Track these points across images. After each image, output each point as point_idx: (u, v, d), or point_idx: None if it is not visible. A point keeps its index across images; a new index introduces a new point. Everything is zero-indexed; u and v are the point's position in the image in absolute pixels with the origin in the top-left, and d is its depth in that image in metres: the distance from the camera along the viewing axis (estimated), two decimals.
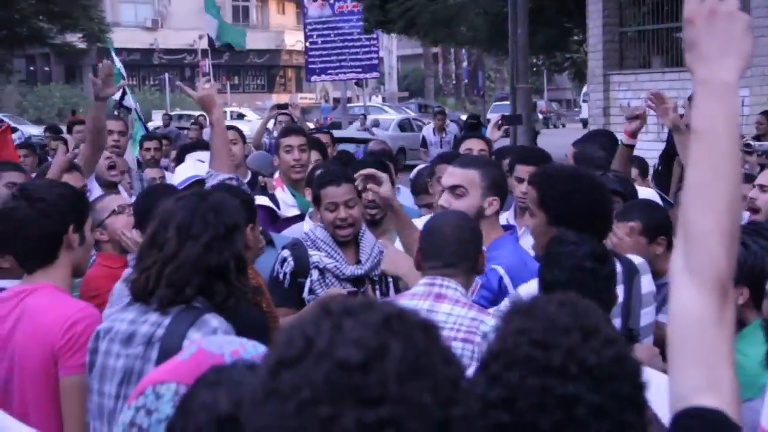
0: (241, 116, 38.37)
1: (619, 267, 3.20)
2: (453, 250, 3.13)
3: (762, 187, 4.39)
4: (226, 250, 2.69)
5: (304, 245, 4.22)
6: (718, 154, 1.59)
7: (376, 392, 1.10)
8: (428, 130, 17.00)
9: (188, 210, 2.72)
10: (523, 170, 4.50)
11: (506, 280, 3.62)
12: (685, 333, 1.55)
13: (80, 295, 3.68)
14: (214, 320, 2.61)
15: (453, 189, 3.74)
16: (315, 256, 4.15)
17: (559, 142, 26.96)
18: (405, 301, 3.11)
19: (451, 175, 3.80)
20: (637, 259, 3.51)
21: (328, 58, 36.07)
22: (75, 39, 41.29)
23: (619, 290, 3.16)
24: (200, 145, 6.11)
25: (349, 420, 1.09)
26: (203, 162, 5.68)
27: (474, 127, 11.94)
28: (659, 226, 3.86)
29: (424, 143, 16.64)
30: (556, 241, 2.90)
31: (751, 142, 5.46)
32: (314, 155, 5.92)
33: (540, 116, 28.49)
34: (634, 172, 9.44)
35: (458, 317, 3.03)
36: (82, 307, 3.00)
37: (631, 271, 3.36)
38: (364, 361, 1.12)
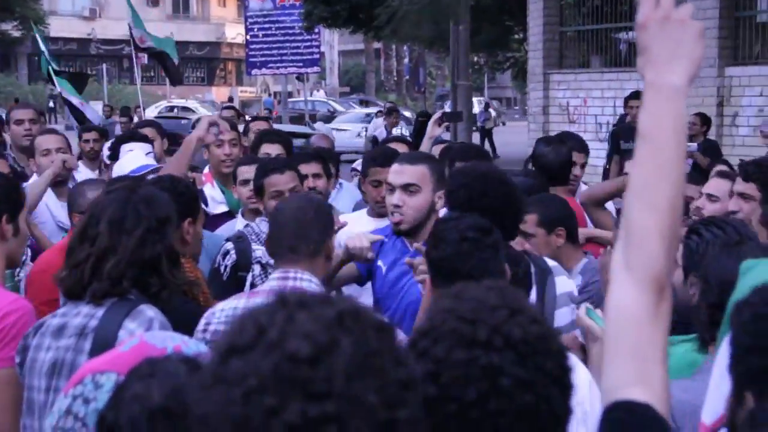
0: (186, 109, 37.95)
1: (532, 268, 3.24)
2: (293, 233, 3.11)
3: (710, 197, 4.37)
4: (158, 243, 2.67)
5: (248, 239, 4.17)
6: (663, 156, 1.62)
7: (323, 387, 1.11)
8: (380, 129, 16.65)
9: (120, 203, 2.69)
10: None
11: None
12: (620, 328, 1.57)
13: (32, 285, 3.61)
14: (149, 311, 2.59)
15: (406, 187, 3.73)
16: (258, 250, 4.07)
17: (502, 140, 27.27)
18: (261, 300, 3.02)
19: (402, 172, 3.78)
20: (551, 261, 3.54)
21: (269, 52, 35.89)
22: (10, 27, 40.63)
23: (533, 292, 3.22)
24: (136, 136, 5.98)
25: (294, 412, 1.10)
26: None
27: (425, 124, 12.00)
28: (556, 218, 3.92)
29: (375, 142, 16.07)
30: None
31: None
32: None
33: (493, 113, 28.54)
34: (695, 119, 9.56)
35: None
36: (13, 300, 2.92)
37: (544, 272, 3.40)
38: (313, 355, 1.12)
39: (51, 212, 5.30)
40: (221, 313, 3.11)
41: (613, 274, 1.62)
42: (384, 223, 4.14)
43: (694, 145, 6.61)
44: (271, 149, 5.38)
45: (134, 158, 5.24)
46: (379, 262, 3.93)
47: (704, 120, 10.04)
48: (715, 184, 4.45)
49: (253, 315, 1.19)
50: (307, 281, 3.07)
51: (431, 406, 1.31)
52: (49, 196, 5.34)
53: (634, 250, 1.59)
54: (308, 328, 1.14)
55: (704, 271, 2.64)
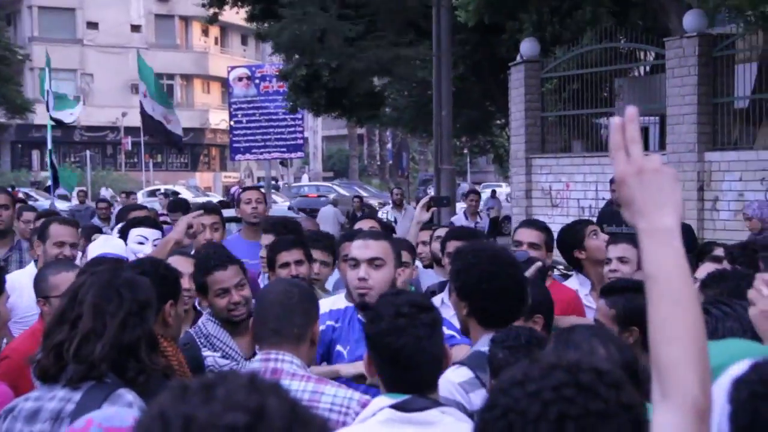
0: (175, 194, 37.94)
1: None
2: (277, 316, 3.07)
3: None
4: (138, 326, 2.67)
5: (196, 344, 4.01)
6: (672, 292, 1.72)
7: None
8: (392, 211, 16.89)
9: (102, 286, 2.67)
10: (453, 245, 4.64)
11: None
12: None
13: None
14: (128, 395, 2.55)
15: (372, 261, 3.77)
16: (209, 358, 3.94)
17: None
18: None
19: (368, 247, 3.82)
20: None
21: (252, 138, 36.14)
22: None
23: None
24: (147, 221, 6.00)
25: None
26: (146, 239, 5.60)
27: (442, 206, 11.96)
28: (535, 304, 3.76)
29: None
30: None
31: None
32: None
33: (504, 203, 25.52)
34: None
35: (296, 392, 2.96)
36: None
37: None
38: (250, 422, 1.16)
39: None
40: None
41: (654, 405, 1.67)
42: (340, 304, 4.08)
43: None
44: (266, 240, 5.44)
45: (101, 246, 5.19)
46: (338, 348, 3.90)
47: None
48: (707, 270, 4.47)
49: (163, 410, 1.18)
50: (288, 363, 3.03)
51: None
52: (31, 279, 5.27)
53: (666, 381, 1.66)
54: (233, 399, 1.17)
55: None
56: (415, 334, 2.66)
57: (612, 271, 4.87)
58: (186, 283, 4.45)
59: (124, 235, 5.59)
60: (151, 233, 5.64)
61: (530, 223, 5.55)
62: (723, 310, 2.79)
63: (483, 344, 3.21)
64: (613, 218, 9.96)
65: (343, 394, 2.99)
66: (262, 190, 8.13)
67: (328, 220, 17.79)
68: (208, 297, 4.08)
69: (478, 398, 3.02)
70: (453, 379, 3.12)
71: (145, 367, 2.66)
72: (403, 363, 2.66)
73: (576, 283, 5.42)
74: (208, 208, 6.37)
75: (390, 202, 17.49)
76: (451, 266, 3.43)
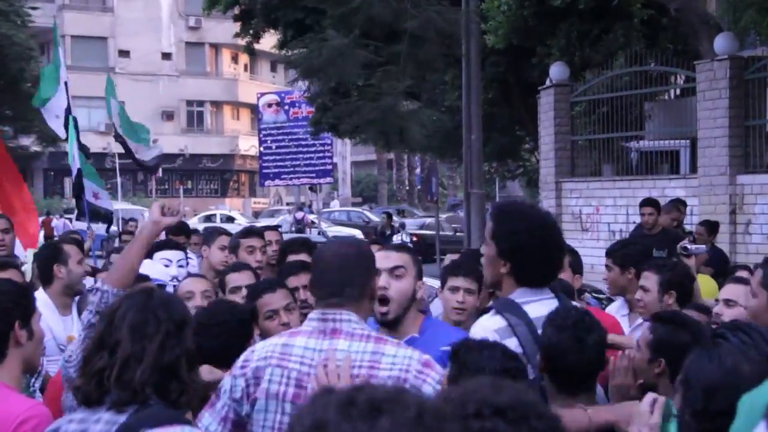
0: (231, 219, 38.10)
1: None
2: (335, 277, 3.07)
3: (727, 302, 4.46)
4: (177, 346, 2.67)
5: None
6: None
7: None
8: None
9: (138, 308, 2.68)
10: (454, 281, 4.70)
11: None
12: None
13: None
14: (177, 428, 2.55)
15: (393, 270, 3.77)
16: None
17: None
18: (302, 338, 3.04)
19: (389, 257, 3.83)
20: None
21: (282, 163, 36.34)
22: (29, 142, 41.27)
23: None
24: (170, 244, 6.06)
25: None
26: (170, 262, 5.66)
27: None
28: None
29: None
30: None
31: (687, 245, 5.70)
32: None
33: None
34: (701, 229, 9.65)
35: (357, 353, 2.98)
36: (31, 405, 2.90)
37: None
38: None
39: (51, 330, 5.05)
40: (262, 349, 3.07)
41: None
42: None
43: (702, 248, 6.72)
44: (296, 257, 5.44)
45: (145, 270, 5.25)
46: None
47: (711, 228, 10.05)
48: (731, 290, 4.54)
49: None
50: (346, 322, 3.03)
51: None
52: (50, 311, 5.21)
53: None
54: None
55: (685, 376, 2.59)
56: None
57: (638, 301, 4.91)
58: (198, 300, 4.49)
59: (148, 256, 5.65)
60: (175, 255, 5.72)
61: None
62: (741, 338, 2.77)
63: (517, 296, 3.36)
64: (643, 242, 9.91)
65: (403, 353, 2.99)
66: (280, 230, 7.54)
67: None
68: (258, 323, 4.10)
69: (511, 345, 3.15)
70: (489, 325, 3.28)
71: (186, 386, 2.67)
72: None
73: (616, 307, 5.45)
74: (254, 231, 6.39)
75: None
76: (494, 225, 3.45)
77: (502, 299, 3.42)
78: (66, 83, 10.83)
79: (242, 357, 3.10)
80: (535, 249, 3.34)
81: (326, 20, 14.32)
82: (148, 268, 5.26)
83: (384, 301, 3.72)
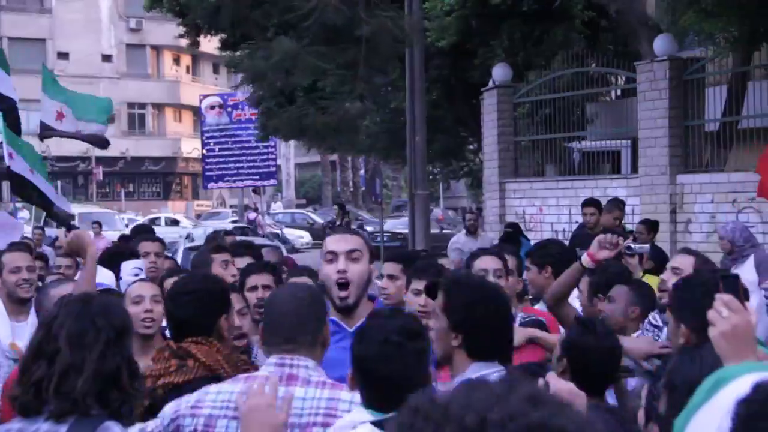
0: (175, 222, 37.71)
1: None
2: (289, 324, 3.06)
3: (674, 270, 4.81)
4: (117, 355, 2.63)
5: None
6: None
7: None
8: None
9: (77, 317, 2.62)
10: (390, 267, 4.94)
11: None
12: None
13: None
14: (115, 427, 2.51)
15: (350, 253, 3.75)
16: None
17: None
18: (259, 382, 2.96)
19: (345, 240, 3.84)
20: None
21: (225, 166, 36.12)
22: None
23: None
24: (135, 254, 6.04)
25: None
26: (141, 270, 5.65)
27: (513, 236, 11.53)
28: None
29: None
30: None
31: (631, 245, 5.81)
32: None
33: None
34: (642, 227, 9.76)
35: (313, 400, 2.96)
36: None
37: None
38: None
39: None
40: (216, 395, 3.00)
41: None
42: None
43: (646, 247, 6.84)
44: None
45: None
46: None
47: (651, 227, 10.17)
48: (680, 260, 4.95)
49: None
50: (303, 368, 3.01)
51: None
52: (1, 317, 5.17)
53: None
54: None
55: (669, 380, 2.60)
56: (403, 362, 2.68)
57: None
58: (148, 304, 4.42)
59: (114, 263, 5.63)
60: (143, 263, 5.76)
61: (486, 251, 5.42)
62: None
63: (473, 372, 3.22)
64: (585, 241, 9.99)
65: (359, 399, 2.96)
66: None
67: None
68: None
69: None
70: None
71: (128, 395, 2.62)
72: (388, 388, 2.68)
73: None
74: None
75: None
76: (445, 297, 3.36)
77: (462, 382, 3.33)
78: None
79: (193, 397, 3.02)
80: (488, 321, 3.28)
81: (271, 22, 14.23)
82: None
83: (344, 285, 3.71)
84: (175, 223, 37.22)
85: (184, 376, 3.31)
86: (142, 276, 5.54)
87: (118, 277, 5.65)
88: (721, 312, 2.41)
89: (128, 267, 5.65)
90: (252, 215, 32.71)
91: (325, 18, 11.91)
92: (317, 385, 3.00)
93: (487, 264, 4.78)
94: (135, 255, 6.02)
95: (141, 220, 38.02)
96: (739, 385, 1.77)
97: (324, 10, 11.87)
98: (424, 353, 2.75)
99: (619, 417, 3.38)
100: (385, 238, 22.59)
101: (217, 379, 3.23)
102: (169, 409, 3.00)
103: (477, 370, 3.23)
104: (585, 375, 3.38)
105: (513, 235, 11.54)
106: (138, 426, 3.00)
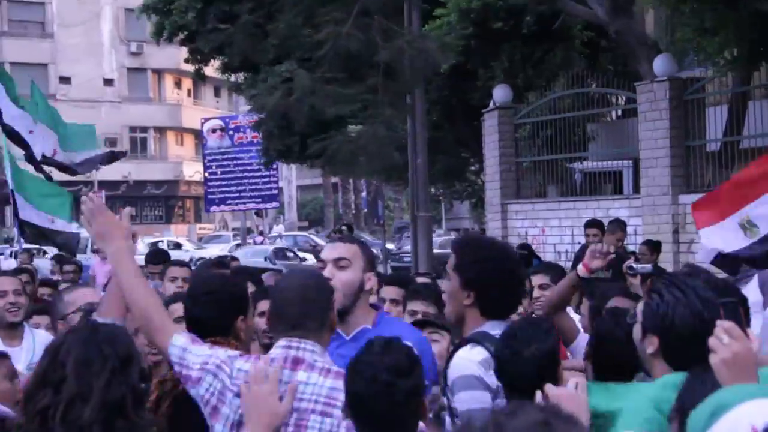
0: (178, 245, 37.69)
1: None
2: (296, 311, 3.08)
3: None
4: (123, 383, 2.61)
5: None
6: None
7: None
8: None
9: (84, 344, 2.62)
10: (391, 291, 5.07)
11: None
12: None
13: None
14: None
15: (337, 261, 3.75)
16: None
17: None
18: (263, 366, 3.04)
19: (334, 248, 3.85)
20: None
21: (227, 189, 36.16)
22: None
23: None
24: None
25: None
26: None
27: (525, 258, 11.49)
28: None
29: None
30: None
31: (633, 265, 5.80)
32: None
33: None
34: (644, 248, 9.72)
35: (315, 386, 2.98)
36: None
37: None
38: None
39: None
40: (233, 368, 3.05)
41: None
42: None
43: (648, 267, 6.83)
44: None
45: None
46: None
47: (654, 248, 10.16)
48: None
49: None
50: (309, 352, 3.03)
51: None
52: None
53: None
54: None
55: (679, 404, 2.58)
56: (393, 401, 2.66)
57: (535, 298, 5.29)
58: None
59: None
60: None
61: None
62: (675, 295, 2.82)
63: (488, 329, 3.34)
64: None
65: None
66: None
67: None
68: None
69: (493, 377, 3.15)
70: (473, 357, 3.27)
71: (133, 425, 2.61)
72: (378, 425, 2.68)
73: None
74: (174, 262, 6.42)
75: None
76: (457, 257, 3.48)
77: (477, 332, 3.40)
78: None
79: (223, 357, 3.09)
80: (499, 278, 3.37)
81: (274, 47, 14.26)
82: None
83: None
84: (177, 246, 37.20)
85: None
86: None
87: None
88: (722, 339, 2.40)
89: None
90: (259, 239, 32.79)
91: (339, 46, 11.93)
92: (321, 372, 3.01)
93: (418, 307, 4.81)
94: None
95: (145, 243, 38.05)
96: (740, 413, 1.76)
97: (337, 39, 11.89)
98: (415, 390, 2.73)
99: None
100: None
101: None
102: (197, 358, 3.08)
103: (491, 329, 3.33)
104: (610, 366, 3.38)
105: (526, 257, 11.47)
106: (183, 338, 3.14)
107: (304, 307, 3.08)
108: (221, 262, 7.66)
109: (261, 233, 34.65)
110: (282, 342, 3.08)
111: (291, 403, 2.86)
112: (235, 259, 8.16)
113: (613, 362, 3.32)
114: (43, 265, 18.23)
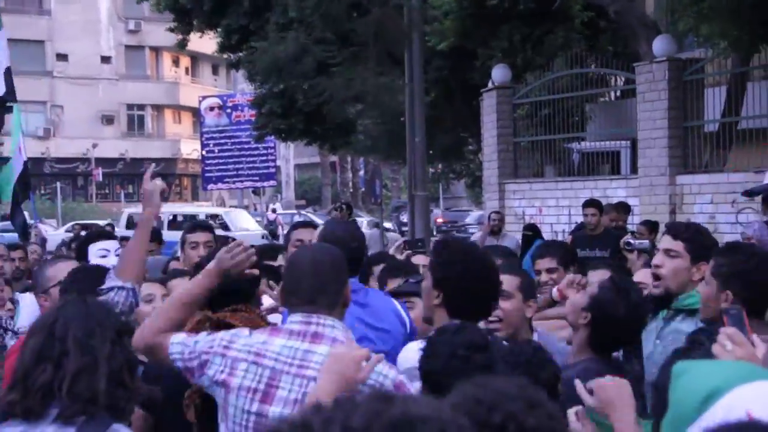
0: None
1: None
2: (309, 284, 3.10)
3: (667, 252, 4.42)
4: (120, 354, 2.63)
5: None
6: None
7: None
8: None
9: (81, 319, 2.62)
10: (393, 282, 4.93)
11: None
12: None
13: None
14: (123, 430, 2.52)
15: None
16: None
17: None
18: (281, 339, 3.05)
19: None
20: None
21: (224, 167, 36.09)
22: None
23: None
24: (104, 234, 5.89)
25: None
26: (108, 252, 5.41)
27: (531, 239, 11.44)
28: None
29: None
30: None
31: (631, 240, 5.81)
32: None
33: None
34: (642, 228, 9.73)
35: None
36: None
37: None
38: None
39: None
40: (244, 341, 3.08)
41: None
42: None
43: (646, 242, 6.85)
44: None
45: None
46: None
47: (651, 228, 10.19)
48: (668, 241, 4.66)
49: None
50: (329, 327, 3.06)
51: None
52: None
53: None
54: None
55: (659, 382, 2.57)
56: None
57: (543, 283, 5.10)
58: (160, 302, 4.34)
59: (81, 251, 5.44)
60: (112, 245, 5.53)
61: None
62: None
63: None
64: (585, 242, 10.02)
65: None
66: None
67: (376, 242, 18.88)
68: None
69: None
70: (416, 347, 3.23)
71: (131, 394, 2.63)
72: None
73: None
74: (202, 226, 6.36)
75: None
76: (433, 257, 3.56)
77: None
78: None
79: (227, 337, 3.10)
80: (468, 282, 3.37)
81: (270, 26, 14.34)
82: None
83: None
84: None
85: None
86: (110, 257, 5.20)
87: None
88: (726, 346, 2.40)
89: (94, 249, 5.43)
90: (272, 215, 32.73)
91: (329, 9, 12.02)
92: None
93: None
94: (104, 236, 5.77)
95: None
96: (734, 399, 1.74)
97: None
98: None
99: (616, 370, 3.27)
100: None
101: None
102: (204, 344, 3.10)
103: None
104: (603, 336, 3.41)
105: (532, 238, 11.46)
106: (183, 335, 3.16)
107: (318, 282, 3.09)
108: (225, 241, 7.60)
109: (273, 211, 34.43)
110: (298, 317, 3.08)
111: (367, 375, 2.83)
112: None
113: (607, 335, 3.37)
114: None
